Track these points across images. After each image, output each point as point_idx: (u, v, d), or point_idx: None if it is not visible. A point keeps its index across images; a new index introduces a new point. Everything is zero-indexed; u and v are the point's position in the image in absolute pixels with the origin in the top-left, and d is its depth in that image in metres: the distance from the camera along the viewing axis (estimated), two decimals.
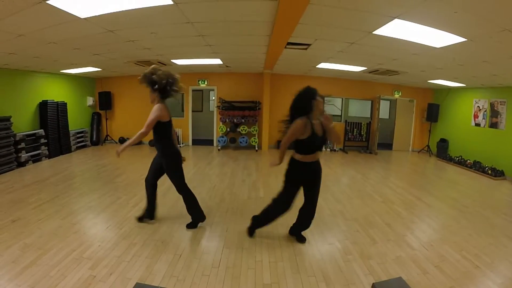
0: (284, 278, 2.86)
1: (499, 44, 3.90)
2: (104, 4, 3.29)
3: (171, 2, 3.21)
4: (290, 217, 4.28)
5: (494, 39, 3.71)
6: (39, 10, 3.24)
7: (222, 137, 10.01)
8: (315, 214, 3.40)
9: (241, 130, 9.95)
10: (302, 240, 3.57)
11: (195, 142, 10.86)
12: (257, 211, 4.44)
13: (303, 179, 3.25)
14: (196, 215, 3.85)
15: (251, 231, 3.67)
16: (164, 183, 5.66)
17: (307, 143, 3.06)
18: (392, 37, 4.18)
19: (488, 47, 4.12)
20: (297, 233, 3.62)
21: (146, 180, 3.81)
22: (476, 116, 8.68)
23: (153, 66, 3.41)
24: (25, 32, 4.07)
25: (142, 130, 3.30)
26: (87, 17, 3.61)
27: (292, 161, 3.20)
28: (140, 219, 3.95)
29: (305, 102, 3.06)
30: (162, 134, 3.52)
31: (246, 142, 9.98)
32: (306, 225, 3.52)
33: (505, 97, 7.64)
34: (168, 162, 3.59)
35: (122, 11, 3.45)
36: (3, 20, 3.48)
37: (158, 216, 4.13)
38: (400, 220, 4.35)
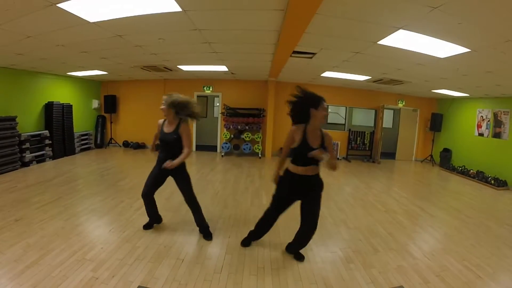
0: (286, 285, 2.85)
1: (502, 55, 3.92)
2: (114, 9, 3.35)
3: (180, 9, 3.27)
4: (292, 223, 4.28)
5: (498, 50, 3.74)
6: (48, 13, 3.29)
7: (226, 143, 10.04)
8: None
9: (245, 137, 9.97)
10: (300, 258, 3.32)
11: (199, 148, 10.90)
12: None
13: (290, 191, 3.05)
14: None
15: (245, 242, 3.61)
16: (167, 188, 5.69)
17: (297, 153, 2.90)
18: (396, 47, 4.22)
19: (492, 57, 4.15)
20: (294, 252, 3.39)
21: (145, 195, 3.73)
22: (479, 126, 8.68)
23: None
24: (34, 33, 4.14)
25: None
26: (96, 21, 3.67)
27: (284, 170, 3.07)
28: (147, 226, 3.94)
29: (302, 109, 2.88)
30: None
31: (250, 149, 10.00)
32: (302, 244, 3.32)
33: (509, 107, 7.66)
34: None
35: (131, 16, 3.51)
36: (12, 21, 3.54)
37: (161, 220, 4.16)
38: (402, 230, 4.33)
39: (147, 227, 3.90)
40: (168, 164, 3.33)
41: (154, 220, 3.95)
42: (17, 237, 3.45)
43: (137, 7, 3.27)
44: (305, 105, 2.86)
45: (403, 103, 10.68)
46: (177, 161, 3.36)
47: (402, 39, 3.82)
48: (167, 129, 3.47)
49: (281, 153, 3.13)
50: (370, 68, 6.28)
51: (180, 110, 3.40)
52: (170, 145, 3.45)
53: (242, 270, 3.07)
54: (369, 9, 3.05)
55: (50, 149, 7.83)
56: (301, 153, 2.84)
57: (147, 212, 3.86)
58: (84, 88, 9.89)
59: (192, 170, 7.67)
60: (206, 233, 3.76)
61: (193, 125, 10.64)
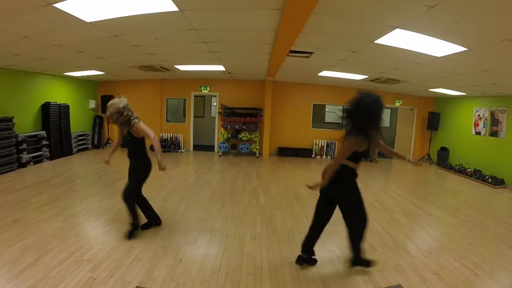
0: (284, 285, 2.85)
1: (499, 54, 3.94)
2: (110, 9, 3.35)
3: (177, 9, 3.26)
4: (290, 222, 4.27)
5: (494, 49, 3.76)
6: (45, 13, 3.29)
7: (223, 143, 10.03)
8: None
9: (242, 136, 9.97)
10: (313, 262, 3.25)
11: (196, 147, 10.89)
12: (258, 218, 4.46)
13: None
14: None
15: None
16: (165, 188, 5.69)
17: (361, 154, 2.90)
18: (393, 46, 4.23)
19: (489, 56, 4.16)
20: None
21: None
22: (476, 125, 8.71)
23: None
24: (31, 34, 4.13)
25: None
26: (93, 21, 3.66)
27: (348, 170, 2.93)
28: (145, 226, 3.93)
29: (377, 114, 2.79)
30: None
31: (247, 149, 10.00)
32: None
33: (506, 106, 7.69)
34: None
35: (128, 16, 3.50)
36: (9, 21, 3.54)
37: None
38: (400, 229, 4.34)
39: (145, 227, 3.89)
40: (162, 166, 3.43)
41: (152, 221, 3.95)
42: (15, 238, 3.43)
43: (134, 7, 3.26)
44: (378, 108, 2.82)
45: (400, 102, 10.70)
46: (159, 156, 3.44)
47: (399, 38, 3.83)
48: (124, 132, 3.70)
49: (335, 162, 2.92)
50: (367, 68, 6.29)
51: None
52: (128, 146, 3.68)
53: (240, 270, 3.07)
54: (365, 8, 3.06)
55: (47, 149, 7.81)
56: (365, 153, 2.94)
57: (142, 212, 3.88)
58: (81, 88, 9.86)
59: (189, 170, 7.69)
60: (130, 231, 3.66)
61: (191, 125, 10.64)
